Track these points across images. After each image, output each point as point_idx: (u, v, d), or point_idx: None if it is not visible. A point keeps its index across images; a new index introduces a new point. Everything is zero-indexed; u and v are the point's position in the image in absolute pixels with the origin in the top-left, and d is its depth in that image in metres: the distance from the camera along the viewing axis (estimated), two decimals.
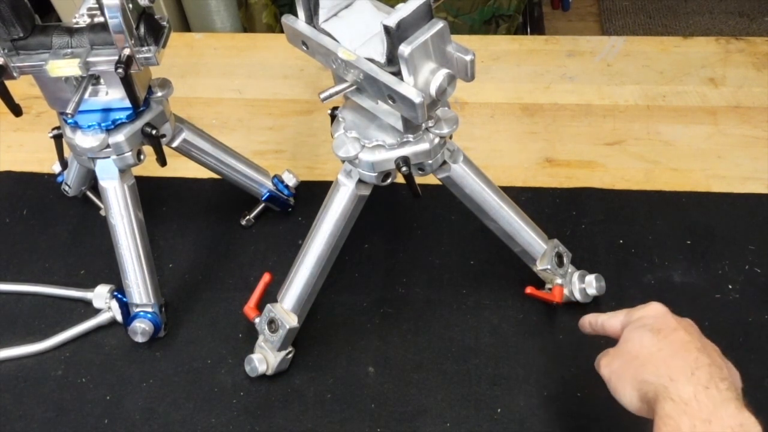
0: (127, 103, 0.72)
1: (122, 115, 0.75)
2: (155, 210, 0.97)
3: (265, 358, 0.79)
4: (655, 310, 0.61)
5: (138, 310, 0.81)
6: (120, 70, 0.66)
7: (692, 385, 0.52)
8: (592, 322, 0.67)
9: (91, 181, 0.95)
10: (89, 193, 0.97)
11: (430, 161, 0.69)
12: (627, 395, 0.57)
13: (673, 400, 0.52)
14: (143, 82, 0.75)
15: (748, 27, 2.32)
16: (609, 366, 0.60)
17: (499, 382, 0.79)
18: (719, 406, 0.51)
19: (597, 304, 0.84)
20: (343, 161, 0.70)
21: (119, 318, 0.83)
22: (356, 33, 0.63)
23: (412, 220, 0.94)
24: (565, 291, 0.82)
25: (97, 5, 0.68)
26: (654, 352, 0.56)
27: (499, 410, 0.77)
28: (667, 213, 0.93)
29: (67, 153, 0.85)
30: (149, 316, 0.81)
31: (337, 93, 0.65)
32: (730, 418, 0.50)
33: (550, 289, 0.82)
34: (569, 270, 0.83)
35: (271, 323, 0.77)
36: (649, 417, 0.55)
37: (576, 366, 0.80)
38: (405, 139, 0.67)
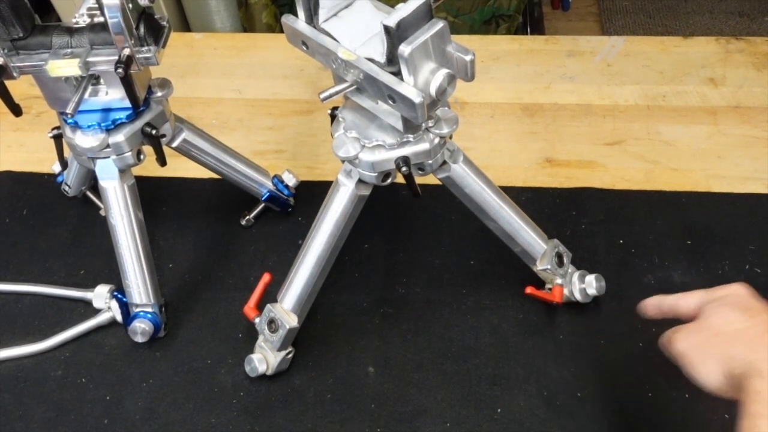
0: (127, 103, 0.72)
1: (122, 115, 0.75)
2: (155, 210, 0.97)
3: (265, 358, 0.79)
4: (739, 289, 0.59)
5: (138, 310, 0.81)
6: (120, 70, 0.66)
7: None
8: (658, 303, 0.64)
9: (91, 181, 0.95)
10: (89, 193, 0.97)
11: (430, 161, 0.69)
12: (710, 371, 0.54)
13: (763, 378, 0.50)
14: (143, 82, 0.75)
15: (748, 27, 2.32)
16: (686, 340, 0.57)
17: (499, 382, 0.79)
18: None
19: (597, 304, 0.84)
20: (343, 161, 0.70)
21: (119, 318, 0.83)
22: (356, 33, 0.63)
23: (412, 220, 0.94)
24: (565, 291, 0.82)
25: (97, 5, 0.68)
26: (742, 330, 0.54)
27: (499, 410, 0.77)
28: (667, 213, 0.93)
29: (67, 153, 0.85)
30: (149, 316, 0.81)
31: (337, 93, 0.65)
32: None
33: (550, 289, 0.82)
34: (569, 270, 0.83)
35: (271, 323, 0.77)
36: (728, 396, 0.53)
37: (576, 366, 0.80)
38: (405, 139, 0.67)
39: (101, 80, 0.73)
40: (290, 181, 0.95)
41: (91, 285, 0.87)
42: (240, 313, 0.82)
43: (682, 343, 0.57)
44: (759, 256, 0.88)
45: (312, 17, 0.64)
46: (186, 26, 1.79)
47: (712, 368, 0.54)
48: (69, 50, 0.68)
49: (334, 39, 0.64)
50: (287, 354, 0.79)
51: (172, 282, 0.90)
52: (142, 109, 0.76)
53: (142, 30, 0.68)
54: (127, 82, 0.69)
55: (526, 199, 0.94)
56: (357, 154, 0.67)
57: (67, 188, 0.95)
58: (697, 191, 0.95)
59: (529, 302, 0.84)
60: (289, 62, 1.17)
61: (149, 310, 0.81)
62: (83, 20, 0.69)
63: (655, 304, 0.65)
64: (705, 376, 0.55)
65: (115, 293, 0.84)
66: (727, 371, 0.53)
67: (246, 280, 0.89)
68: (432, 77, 0.59)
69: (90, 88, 0.73)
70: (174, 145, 0.83)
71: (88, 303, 0.86)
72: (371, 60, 0.61)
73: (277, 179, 0.94)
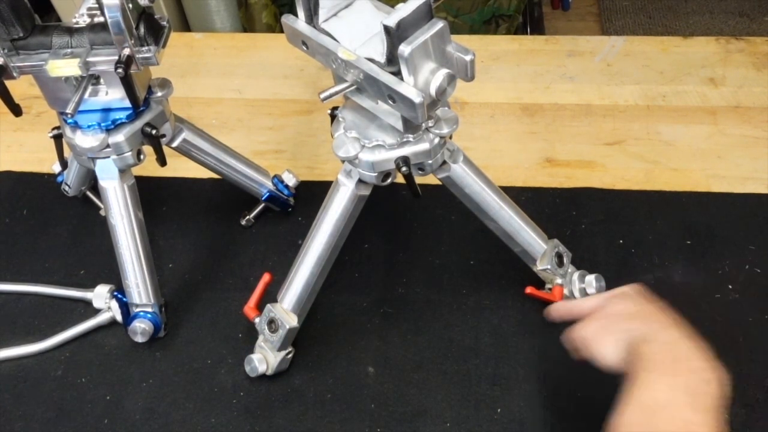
0: (127, 103, 0.72)
1: (122, 115, 0.75)
2: (155, 210, 0.97)
3: (265, 358, 0.79)
4: (632, 287, 0.65)
5: (138, 310, 0.81)
6: (120, 70, 0.66)
7: (676, 334, 0.57)
8: (560, 308, 0.69)
9: (91, 181, 0.95)
10: (89, 193, 0.97)
11: (430, 161, 0.69)
12: (610, 347, 0.59)
13: (655, 342, 0.56)
14: (143, 82, 0.75)
15: (748, 27, 2.32)
16: (588, 326, 0.62)
17: (499, 382, 0.79)
18: (694, 351, 0.56)
19: None
20: (343, 161, 0.70)
21: (119, 318, 0.83)
22: (356, 33, 0.63)
23: (412, 220, 0.94)
24: (565, 291, 0.82)
25: (97, 5, 0.68)
26: (636, 311, 0.60)
27: (499, 410, 0.77)
28: (667, 213, 0.93)
29: (67, 153, 0.85)
30: (149, 316, 0.81)
31: (337, 93, 0.65)
32: (700, 361, 0.55)
33: (550, 289, 0.83)
34: (569, 270, 0.83)
35: (271, 323, 0.77)
36: (626, 370, 0.57)
37: (576, 366, 0.79)
38: (405, 139, 0.67)
39: (101, 80, 0.73)
40: (290, 181, 0.95)
41: (91, 285, 0.87)
42: (240, 313, 0.82)
43: (584, 330, 0.62)
44: (759, 256, 0.88)
45: (312, 17, 0.64)
46: (186, 26, 1.79)
47: (612, 345, 0.59)
48: (69, 50, 0.68)
49: (334, 39, 0.64)
50: (287, 354, 0.79)
51: (172, 282, 0.90)
52: (142, 109, 0.76)
53: (142, 30, 0.68)
54: (127, 82, 0.69)
55: (526, 199, 0.94)
56: (357, 154, 0.67)
57: (67, 188, 0.95)
58: (697, 191, 0.95)
59: (529, 302, 0.84)
60: (289, 62, 1.17)
61: (149, 310, 0.81)
62: (83, 20, 0.69)
63: (557, 309, 0.70)
64: (605, 353, 0.60)
65: (115, 293, 0.84)
66: (625, 344, 0.58)
67: (246, 280, 0.89)
68: (432, 77, 0.59)
69: (90, 88, 0.73)
70: (174, 145, 0.83)
71: (88, 303, 0.86)
72: (371, 60, 0.61)
73: (277, 179, 0.94)
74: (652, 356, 0.55)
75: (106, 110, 0.75)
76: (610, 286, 0.83)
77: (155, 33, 0.69)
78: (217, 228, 0.95)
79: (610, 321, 0.61)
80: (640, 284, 0.65)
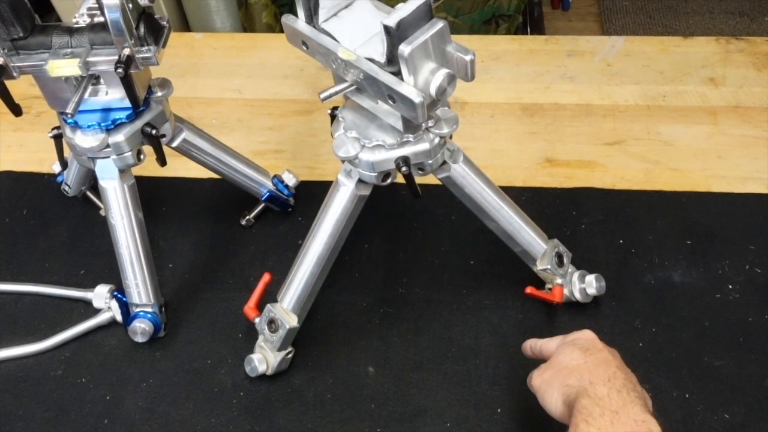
0: (127, 103, 0.72)
1: (122, 115, 0.75)
2: (155, 210, 0.97)
3: (265, 358, 0.78)
4: (586, 334, 0.68)
5: (138, 310, 0.81)
6: (120, 70, 0.66)
7: (607, 387, 0.60)
8: (532, 345, 0.73)
9: (91, 181, 0.95)
10: (89, 193, 0.97)
11: (430, 161, 0.69)
12: (553, 400, 0.63)
13: (590, 397, 0.59)
14: (143, 82, 0.75)
15: (748, 27, 2.32)
16: (539, 377, 0.66)
17: (499, 382, 0.79)
18: (627, 404, 0.58)
19: (597, 304, 0.84)
20: (343, 161, 0.70)
21: (119, 318, 0.83)
22: (356, 33, 0.63)
23: (412, 220, 0.94)
24: (565, 291, 0.82)
25: (97, 5, 0.68)
26: (580, 364, 0.63)
27: (499, 410, 0.77)
28: (667, 213, 0.93)
29: (67, 153, 0.85)
30: (149, 316, 0.81)
31: (337, 93, 0.65)
32: (635, 414, 0.57)
33: (550, 289, 0.82)
34: (569, 270, 0.83)
35: (271, 323, 0.77)
36: (569, 422, 0.60)
37: None
38: (405, 139, 0.67)
39: (101, 80, 0.73)
40: (290, 181, 0.95)
41: (91, 285, 0.87)
42: (240, 313, 0.82)
43: (536, 380, 0.66)
44: (759, 256, 0.88)
45: (312, 17, 0.64)
46: (186, 26, 1.79)
47: (555, 397, 0.63)
48: (69, 50, 0.68)
49: (334, 39, 0.64)
50: (287, 354, 0.79)
51: (172, 282, 0.90)
52: (142, 109, 0.76)
53: (142, 30, 0.68)
54: (127, 82, 0.69)
55: (526, 199, 0.94)
56: (357, 154, 0.67)
57: (67, 188, 0.95)
58: (697, 191, 0.95)
59: (529, 302, 0.84)
60: (289, 62, 1.17)
61: (149, 310, 0.81)
62: (83, 20, 0.69)
63: (530, 347, 0.73)
64: (551, 405, 0.63)
65: (115, 293, 0.84)
66: (566, 398, 0.62)
67: (246, 280, 0.89)
68: (432, 77, 0.59)
69: (90, 88, 0.73)
70: (174, 145, 0.83)
71: (88, 303, 0.86)
72: (371, 60, 0.61)
73: (277, 179, 0.94)
74: (590, 410, 0.58)
75: (106, 110, 0.75)
76: (610, 286, 0.83)
77: (155, 33, 0.69)
78: (217, 228, 0.95)
79: (555, 374, 0.64)
80: (592, 332, 0.68)
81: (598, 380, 0.60)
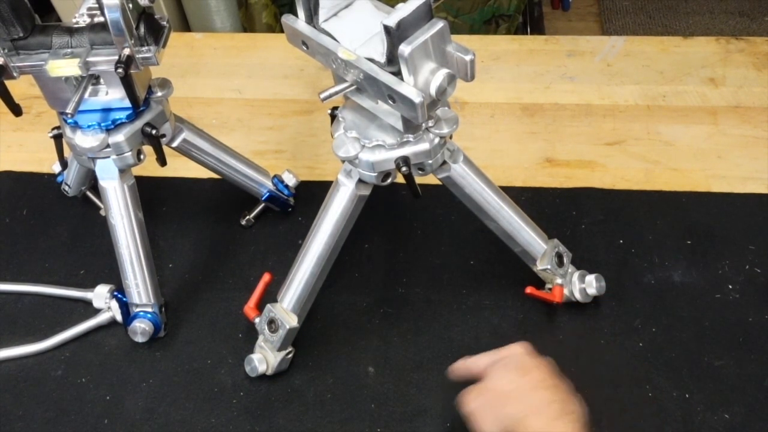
0: (127, 103, 0.72)
1: (122, 115, 0.75)
2: (155, 210, 0.97)
3: (265, 358, 0.79)
4: (518, 348, 0.66)
5: (138, 310, 0.81)
6: (120, 70, 0.66)
7: (544, 417, 0.59)
8: (459, 368, 0.70)
9: (91, 181, 0.95)
10: (89, 193, 0.97)
11: (430, 161, 0.69)
12: (489, 427, 0.61)
13: (530, 427, 0.59)
14: (143, 82, 0.75)
15: (748, 27, 2.32)
16: (473, 402, 0.64)
17: None
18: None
19: (597, 304, 0.84)
20: (343, 161, 0.70)
21: (119, 318, 0.83)
22: (356, 33, 0.63)
23: (412, 220, 0.94)
24: (565, 291, 0.82)
25: (97, 5, 0.68)
26: (514, 389, 0.62)
27: None
28: (667, 213, 0.93)
29: (67, 153, 0.85)
30: (149, 316, 0.81)
31: (337, 93, 0.65)
32: None
33: (550, 289, 0.82)
34: (569, 270, 0.83)
35: (271, 323, 0.77)
36: None
37: (576, 366, 0.79)
38: (405, 139, 0.67)
39: (101, 80, 0.73)
40: (290, 181, 0.95)
41: (91, 285, 0.87)
42: (240, 313, 0.82)
43: (469, 405, 0.64)
44: (759, 256, 0.88)
45: (312, 17, 0.64)
46: (186, 26, 1.79)
47: (492, 426, 0.61)
48: (69, 50, 0.68)
49: (334, 39, 0.64)
50: (287, 354, 0.79)
51: (172, 282, 0.90)
52: (142, 109, 0.76)
53: (142, 30, 0.68)
54: (127, 82, 0.69)
55: (526, 199, 0.94)
56: (357, 154, 0.67)
57: (67, 188, 0.95)
58: (697, 191, 0.95)
59: (529, 302, 0.84)
60: (289, 62, 1.17)
61: (149, 310, 0.81)
62: (83, 20, 0.69)
63: (457, 368, 0.70)
64: (486, 431, 0.62)
65: (115, 293, 0.84)
66: (503, 428, 0.61)
67: (246, 280, 0.89)
68: (432, 77, 0.59)
69: (90, 88, 0.73)
70: (174, 145, 0.83)
71: (88, 303, 0.86)
72: (371, 60, 0.61)
73: (277, 179, 0.94)
74: None
75: (106, 110, 0.75)
76: (610, 286, 0.83)
77: (155, 33, 0.69)
78: (217, 228, 0.95)
79: (490, 400, 0.63)
80: (525, 344, 0.66)
81: (534, 410, 0.60)
